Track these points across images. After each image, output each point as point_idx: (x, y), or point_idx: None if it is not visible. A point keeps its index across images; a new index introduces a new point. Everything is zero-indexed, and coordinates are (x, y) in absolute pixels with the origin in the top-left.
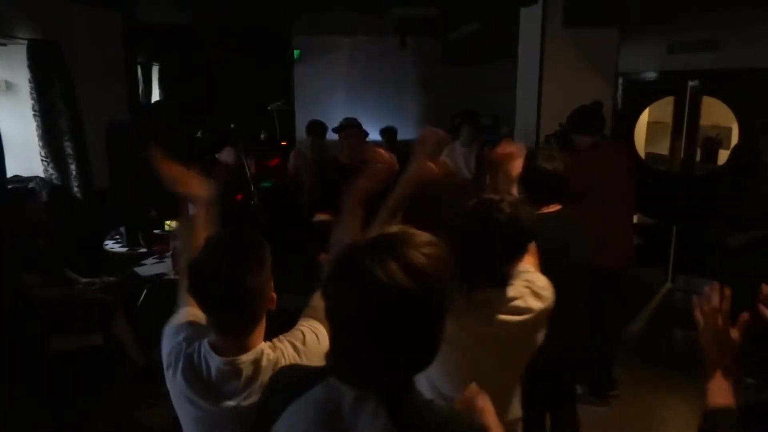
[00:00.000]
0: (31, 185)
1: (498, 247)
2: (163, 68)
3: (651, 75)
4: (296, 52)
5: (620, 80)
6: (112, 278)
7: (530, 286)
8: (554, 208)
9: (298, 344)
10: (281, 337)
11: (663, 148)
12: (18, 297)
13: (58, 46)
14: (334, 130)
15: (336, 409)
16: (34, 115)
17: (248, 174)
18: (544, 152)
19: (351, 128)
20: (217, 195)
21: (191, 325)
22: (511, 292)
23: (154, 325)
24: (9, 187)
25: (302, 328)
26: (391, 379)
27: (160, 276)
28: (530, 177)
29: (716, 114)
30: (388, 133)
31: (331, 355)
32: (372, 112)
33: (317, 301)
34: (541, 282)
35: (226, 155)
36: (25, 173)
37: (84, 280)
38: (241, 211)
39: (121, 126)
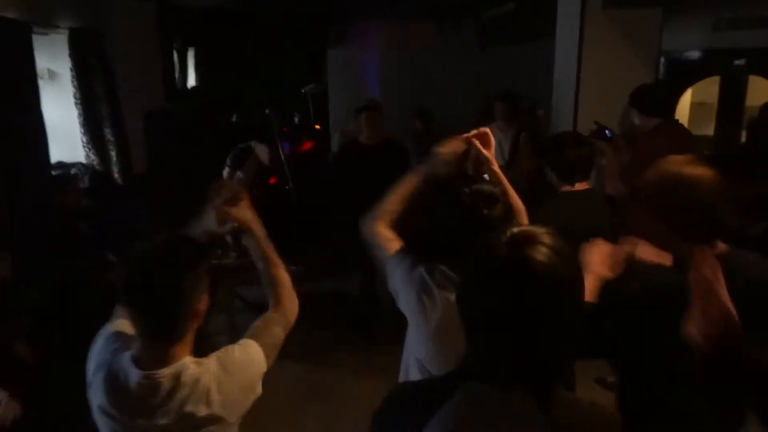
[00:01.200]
0: (73, 171)
1: (461, 232)
2: (198, 53)
3: (695, 54)
4: None
5: (662, 59)
6: None
7: None
8: (581, 186)
9: (224, 362)
10: (211, 354)
11: (707, 129)
12: (63, 280)
13: (97, 34)
14: (357, 111)
15: (482, 412)
16: (76, 103)
17: (282, 158)
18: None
19: (374, 110)
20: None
21: (120, 336)
22: None
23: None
24: (53, 173)
25: (232, 346)
26: (540, 373)
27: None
28: (557, 159)
29: (764, 94)
30: (425, 114)
31: (471, 358)
32: (407, 95)
33: (259, 322)
34: None
35: (260, 151)
36: (67, 159)
37: None
38: (275, 195)
39: (160, 113)
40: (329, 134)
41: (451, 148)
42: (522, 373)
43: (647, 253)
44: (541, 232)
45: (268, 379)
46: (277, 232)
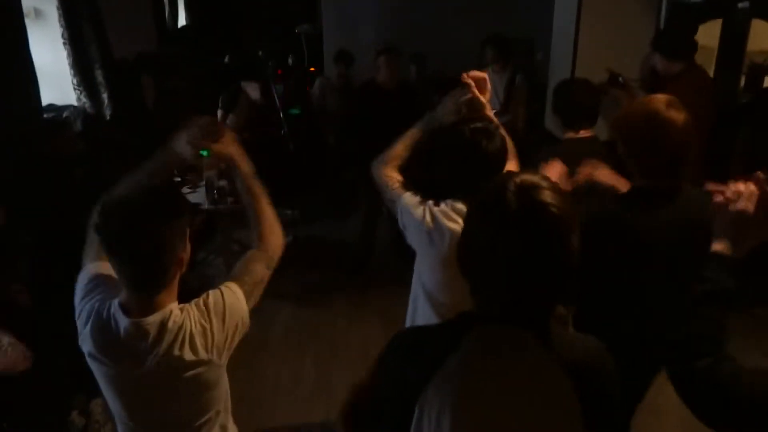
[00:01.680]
0: (65, 114)
1: (463, 166)
2: None
3: None
4: None
5: (664, 2)
6: None
7: None
8: (586, 134)
9: (203, 307)
10: (192, 301)
11: None
12: (59, 224)
13: None
14: (378, 51)
15: (496, 355)
16: (64, 43)
17: (277, 102)
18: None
19: (393, 52)
20: (240, 126)
21: (104, 280)
22: None
23: (190, 255)
24: (45, 116)
25: (211, 291)
26: (543, 312)
27: (194, 206)
28: (563, 104)
29: (765, 38)
30: (420, 59)
31: (480, 303)
32: (403, 36)
33: (240, 263)
34: None
35: (251, 90)
36: (59, 102)
37: None
38: (271, 139)
39: (150, 55)
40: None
41: (455, 98)
42: (528, 314)
43: (605, 176)
44: (539, 178)
45: (266, 318)
46: (273, 177)
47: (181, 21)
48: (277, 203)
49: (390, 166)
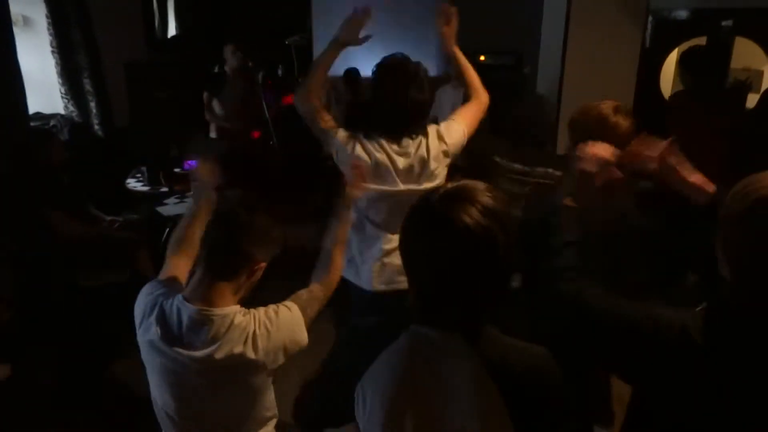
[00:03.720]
0: (52, 123)
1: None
2: (179, 0)
3: (682, 13)
4: None
5: (650, 18)
6: (134, 216)
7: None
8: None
9: (271, 314)
10: (259, 308)
11: None
12: (43, 233)
13: None
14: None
15: (423, 353)
16: (53, 52)
17: (266, 111)
18: None
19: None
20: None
21: (169, 282)
22: None
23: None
24: (31, 124)
25: (280, 304)
26: (472, 317)
27: (181, 216)
28: None
29: (748, 56)
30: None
31: (413, 303)
32: (392, 46)
33: (305, 293)
34: (456, 136)
35: (227, 53)
36: (45, 110)
37: (107, 217)
38: (259, 149)
39: (140, 64)
40: None
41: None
42: (452, 319)
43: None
44: (477, 189)
45: None
46: (263, 186)
47: (171, 31)
48: (267, 213)
49: (314, 96)
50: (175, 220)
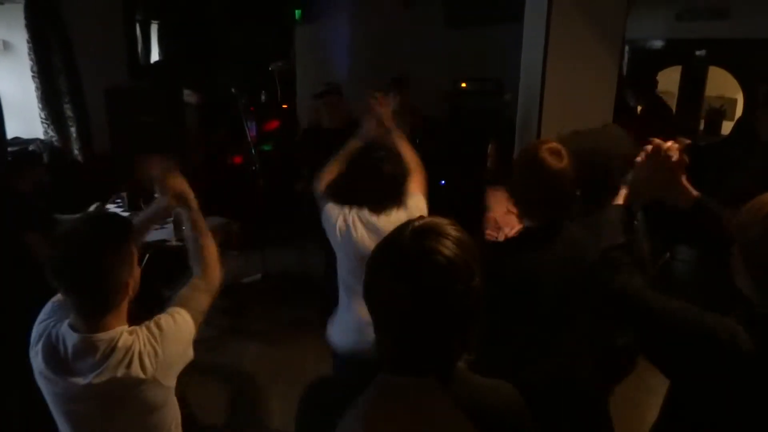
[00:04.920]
0: (31, 147)
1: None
2: (162, 26)
3: (658, 43)
4: (297, 12)
5: (627, 47)
6: None
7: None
8: None
9: (154, 329)
10: (143, 324)
11: None
12: (21, 257)
13: (56, 4)
14: (315, 96)
15: (394, 404)
16: (33, 76)
17: (249, 138)
18: None
19: (332, 94)
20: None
21: (61, 306)
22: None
23: (156, 291)
24: (10, 149)
25: (162, 315)
26: (448, 357)
27: (161, 242)
28: None
29: (722, 84)
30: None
31: (382, 352)
32: (374, 72)
33: (185, 290)
34: (421, 205)
35: (188, 97)
36: (25, 135)
37: None
38: (241, 174)
39: (122, 90)
40: (296, 113)
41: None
42: (427, 363)
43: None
44: (445, 224)
45: (233, 358)
46: (244, 212)
47: (154, 56)
48: (246, 240)
49: (326, 181)
50: (155, 245)
